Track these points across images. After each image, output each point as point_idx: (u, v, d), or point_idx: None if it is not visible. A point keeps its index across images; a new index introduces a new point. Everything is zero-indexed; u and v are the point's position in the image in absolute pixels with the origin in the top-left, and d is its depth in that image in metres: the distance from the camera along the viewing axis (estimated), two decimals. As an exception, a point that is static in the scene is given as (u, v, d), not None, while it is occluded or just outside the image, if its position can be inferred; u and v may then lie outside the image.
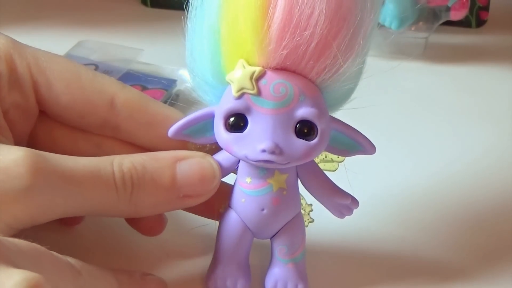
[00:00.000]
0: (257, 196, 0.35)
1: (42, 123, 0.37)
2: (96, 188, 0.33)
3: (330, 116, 0.34)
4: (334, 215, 0.36)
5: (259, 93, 0.33)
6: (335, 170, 0.36)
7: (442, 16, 0.60)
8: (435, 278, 0.38)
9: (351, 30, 0.32)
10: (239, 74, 0.33)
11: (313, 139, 0.33)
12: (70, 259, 0.31)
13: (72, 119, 0.37)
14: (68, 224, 0.40)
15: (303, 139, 0.33)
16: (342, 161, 0.36)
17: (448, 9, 0.59)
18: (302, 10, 0.32)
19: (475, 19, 0.65)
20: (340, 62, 0.33)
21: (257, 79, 0.33)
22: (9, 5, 0.66)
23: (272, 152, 0.33)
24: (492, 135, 0.51)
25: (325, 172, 0.36)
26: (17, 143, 0.35)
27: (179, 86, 0.53)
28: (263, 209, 0.35)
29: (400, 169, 0.47)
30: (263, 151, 0.33)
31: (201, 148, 0.36)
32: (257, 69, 0.33)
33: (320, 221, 0.38)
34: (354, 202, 0.36)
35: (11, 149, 0.32)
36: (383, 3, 0.36)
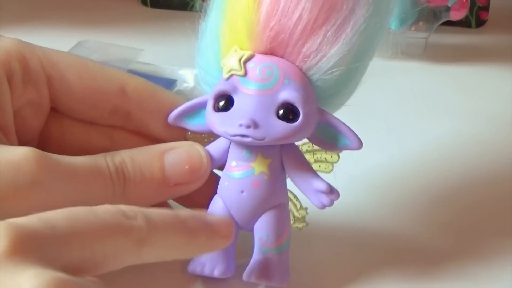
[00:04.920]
0: (239, 178, 0.35)
1: (53, 119, 0.37)
2: (96, 182, 0.34)
3: (320, 108, 0.35)
4: (314, 203, 0.36)
5: (245, 74, 0.34)
6: (330, 171, 0.36)
7: (442, 16, 0.60)
8: (428, 261, 0.39)
9: (339, 20, 0.34)
10: (229, 58, 0.35)
11: (294, 122, 0.34)
12: (138, 221, 0.29)
13: (84, 111, 0.37)
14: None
15: (284, 120, 0.34)
16: (336, 161, 0.36)
17: (448, 9, 0.59)
18: None
19: (475, 19, 0.66)
20: (326, 49, 0.34)
21: (246, 61, 0.34)
22: (9, 5, 0.66)
23: (248, 126, 0.34)
24: (491, 135, 0.51)
25: (320, 174, 0.36)
26: (29, 140, 0.36)
27: (179, 86, 0.53)
28: (242, 191, 0.35)
29: (400, 168, 0.47)
30: (240, 125, 0.34)
31: (199, 137, 0.37)
32: (247, 52, 0.34)
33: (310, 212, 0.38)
34: (333, 192, 0.35)
35: (17, 148, 0.33)
36: (391, 6, 0.37)
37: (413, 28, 0.59)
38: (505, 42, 0.64)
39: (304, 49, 0.34)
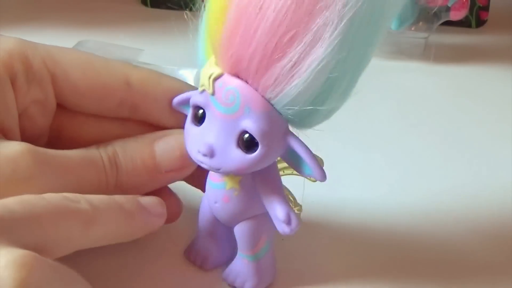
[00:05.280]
0: (213, 188, 0.36)
1: (62, 114, 0.38)
2: (90, 173, 0.35)
3: (288, 133, 0.33)
4: (277, 228, 0.34)
5: (213, 94, 0.33)
6: (315, 181, 0.35)
7: (442, 16, 0.60)
8: (427, 262, 0.39)
9: (296, 56, 0.31)
10: (204, 70, 0.34)
11: (252, 153, 0.33)
12: (82, 204, 0.31)
13: (90, 106, 0.37)
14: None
15: (242, 150, 0.33)
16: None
17: (448, 9, 0.59)
18: (248, 25, 0.32)
19: (475, 19, 0.66)
20: (283, 84, 0.32)
21: (214, 80, 0.33)
22: (9, 5, 0.66)
23: (204, 155, 0.33)
24: (492, 135, 0.52)
25: (309, 180, 0.36)
26: (37, 138, 0.37)
27: (179, 86, 0.52)
28: (216, 202, 0.35)
29: (400, 168, 0.47)
30: (198, 152, 0.33)
31: None
32: (216, 71, 0.33)
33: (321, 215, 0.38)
34: (290, 222, 0.34)
35: (13, 143, 0.33)
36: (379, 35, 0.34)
37: (413, 28, 0.59)
38: (505, 42, 0.64)
39: (262, 81, 0.32)
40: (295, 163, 0.34)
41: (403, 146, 0.50)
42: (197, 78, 0.54)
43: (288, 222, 0.34)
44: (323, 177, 0.33)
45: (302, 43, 0.31)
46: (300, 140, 0.33)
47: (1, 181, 0.32)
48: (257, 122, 0.32)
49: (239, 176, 0.35)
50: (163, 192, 0.38)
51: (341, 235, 0.41)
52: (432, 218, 0.43)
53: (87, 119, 0.38)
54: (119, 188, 0.35)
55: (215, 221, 0.36)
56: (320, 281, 0.37)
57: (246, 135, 0.32)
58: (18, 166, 0.32)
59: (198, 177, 0.38)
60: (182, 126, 0.37)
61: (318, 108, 0.33)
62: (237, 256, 0.36)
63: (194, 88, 0.38)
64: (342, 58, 0.31)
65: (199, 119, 0.34)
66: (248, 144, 0.33)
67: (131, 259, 0.38)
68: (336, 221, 0.41)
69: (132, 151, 0.36)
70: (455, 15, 0.60)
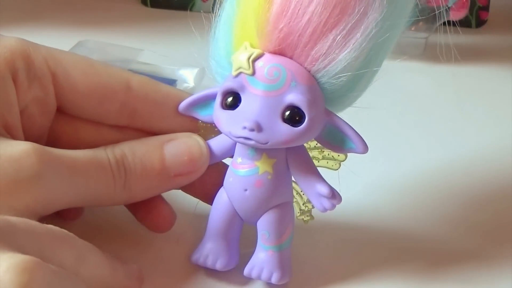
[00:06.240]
0: (243, 176, 0.36)
1: (61, 120, 0.38)
2: (97, 175, 0.34)
3: (327, 110, 0.35)
4: (315, 206, 0.36)
5: (253, 74, 0.34)
6: (337, 169, 0.36)
7: (442, 16, 0.60)
8: (431, 261, 0.39)
9: (350, 24, 0.33)
10: (239, 55, 0.34)
11: (299, 126, 0.34)
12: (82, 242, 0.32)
13: (91, 108, 0.37)
14: (68, 218, 0.40)
15: (289, 124, 0.34)
16: (343, 160, 0.36)
17: (448, 9, 0.59)
18: None
19: (475, 19, 0.66)
20: (335, 54, 0.33)
21: (254, 60, 0.34)
22: (9, 5, 0.66)
23: (251, 130, 0.34)
24: (492, 135, 0.52)
25: (328, 169, 0.36)
26: (37, 138, 0.37)
27: (179, 86, 0.53)
28: (246, 190, 0.35)
29: (400, 168, 0.47)
30: (244, 128, 0.34)
31: (210, 127, 0.38)
32: (256, 51, 0.34)
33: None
34: (335, 196, 0.35)
35: (18, 142, 0.33)
36: (408, 8, 0.37)
37: (413, 28, 0.59)
38: (505, 42, 0.64)
39: (312, 52, 0.34)
40: (334, 140, 0.35)
41: (403, 146, 0.50)
42: (197, 78, 0.54)
43: (333, 196, 0.35)
44: (366, 148, 0.35)
45: (356, 11, 0.33)
46: (338, 116, 0.35)
47: (4, 181, 0.32)
48: (304, 94, 0.34)
49: (273, 159, 0.35)
50: (156, 200, 0.38)
51: (346, 236, 0.41)
52: (438, 218, 0.43)
53: (86, 125, 0.38)
54: (127, 191, 0.35)
55: (231, 219, 0.36)
56: (328, 284, 0.38)
57: (292, 110, 0.34)
58: (21, 166, 0.32)
59: (199, 187, 0.38)
60: (180, 130, 0.37)
61: (357, 84, 0.35)
62: (259, 250, 0.36)
63: (189, 94, 0.38)
64: (385, 26, 0.34)
65: (231, 105, 0.35)
66: (294, 117, 0.34)
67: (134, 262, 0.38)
68: (339, 222, 0.41)
69: (141, 154, 0.36)
70: (455, 15, 0.60)
